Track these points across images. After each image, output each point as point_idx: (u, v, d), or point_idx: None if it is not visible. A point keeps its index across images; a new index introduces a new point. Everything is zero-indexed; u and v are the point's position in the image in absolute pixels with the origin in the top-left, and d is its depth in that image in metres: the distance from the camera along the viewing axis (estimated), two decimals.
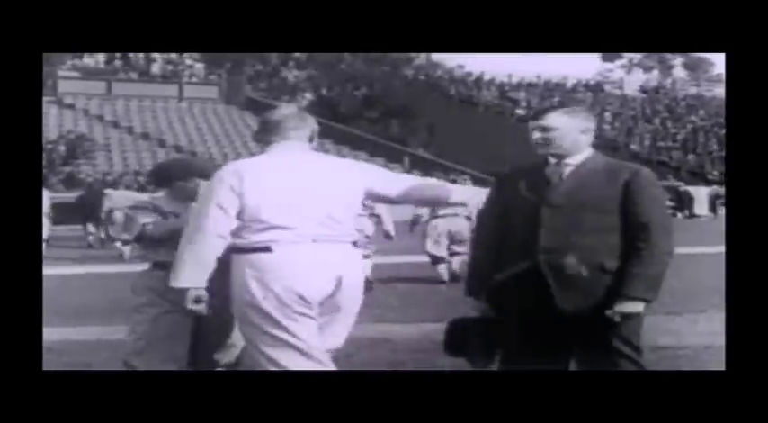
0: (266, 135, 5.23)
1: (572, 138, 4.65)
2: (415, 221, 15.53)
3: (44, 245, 19.52)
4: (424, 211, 15.23)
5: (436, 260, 15.21)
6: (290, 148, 5.18)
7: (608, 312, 4.44)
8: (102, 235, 23.54)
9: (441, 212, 15.09)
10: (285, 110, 5.48)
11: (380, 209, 13.57)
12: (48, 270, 16.01)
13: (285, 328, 4.92)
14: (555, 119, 4.70)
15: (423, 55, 58.48)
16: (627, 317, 4.46)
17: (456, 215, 15.08)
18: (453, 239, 15.15)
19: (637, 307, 4.47)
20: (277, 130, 5.20)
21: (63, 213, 26.80)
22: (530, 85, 58.24)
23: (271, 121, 5.26)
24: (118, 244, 20.89)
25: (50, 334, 9.07)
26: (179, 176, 5.95)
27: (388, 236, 14.25)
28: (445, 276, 14.90)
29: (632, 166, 4.74)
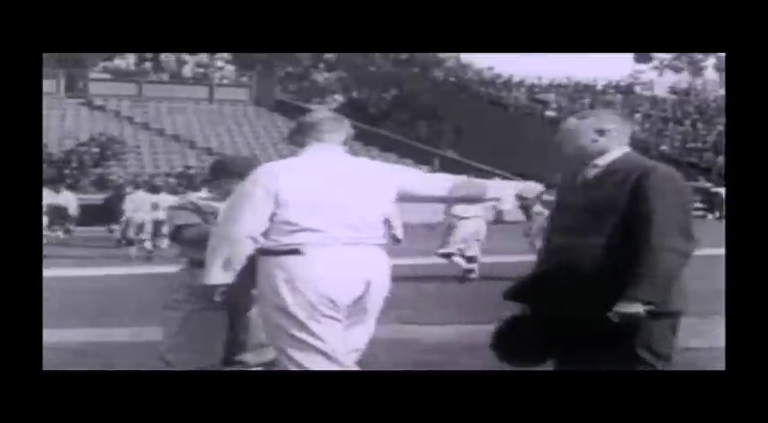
0: (300, 137, 5.25)
1: (588, 138, 4.75)
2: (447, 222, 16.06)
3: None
4: (459, 210, 15.65)
5: (448, 256, 15.95)
6: (323, 151, 5.18)
7: (609, 314, 4.43)
8: (119, 236, 23.82)
9: (468, 214, 15.70)
10: (321, 113, 5.53)
11: (390, 212, 13.74)
12: (75, 271, 17.41)
13: (311, 332, 4.91)
14: (571, 122, 4.91)
15: (452, 57, 58.54)
16: (627, 318, 4.43)
17: (478, 217, 15.97)
18: (476, 239, 15.97)
19: (635, 308, 4.43)
20: (311, 132, 5.21)
21: (92, 215, 27.01)
22: (559, 86, 58.04)
23: (306, 123, 5.27)
24: (146, 244, 21.68)
25: (76, 335, 9.63)
26: (217, 176, 6.01)
27: (396, 240, 14.40)
28: (464, 265, 15.65)
29: (647, 164, 4.74)
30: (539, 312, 4.78)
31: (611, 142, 4.74)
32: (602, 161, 4.72)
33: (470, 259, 15.84)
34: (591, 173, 4.72)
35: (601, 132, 4.75)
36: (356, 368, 5.04)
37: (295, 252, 4.91)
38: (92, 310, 11.87)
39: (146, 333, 8.73)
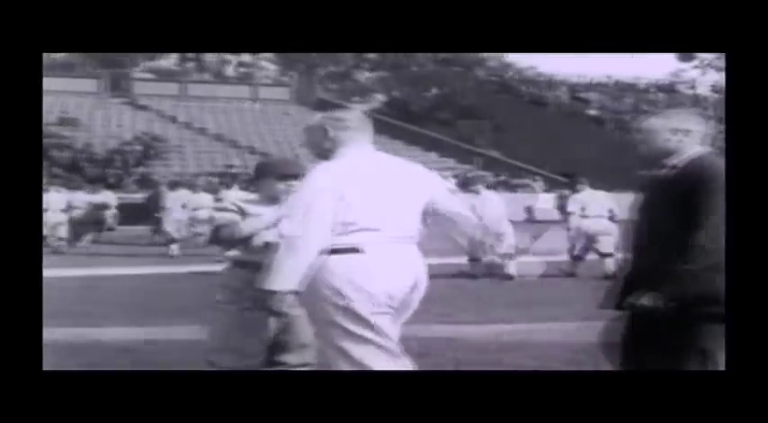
0: (339, 136, 5.20)
1: (667, 138, 4.77)
2: None
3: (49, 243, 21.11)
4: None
5: (476, 259, 15.82)
6: (361, 150, 5.21)
7: (623, 303, 4.58)
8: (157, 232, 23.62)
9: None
10: (354, 112, 5.50)
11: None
12: (120, 270, 17.06)
13: (374, 327, 4.93)
14: (651, 122, 4.92)
15: (494, 56, 58.23)
16: (636, 308, 4.53)
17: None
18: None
19: (641, 299, 4.52)
20: (349, 132, 5.21)
21: (134, 214, 27.33)
22: (600, 85, 57.66)
23: (343, 121, 5.26)
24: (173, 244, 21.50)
25: (123, 334, 9.59)
26: (261, 176, 5.94)
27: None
28: (512, 270, 15.58)
29: (716, 163, 4.66)
30: (635, 315, 4.76)
31: (690, 142, 4.75)
32: (679, 161, 4.74)
33: (503, 257, 15.62)
34: (668, 173, 4.74)
35: (679, 132, 4.77)
36: (410, 363, 5.06)
37: (353, 251, 4.93)
38: (134, 308, 11.90)
39: (185, 332, 8.90)
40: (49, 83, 41.12)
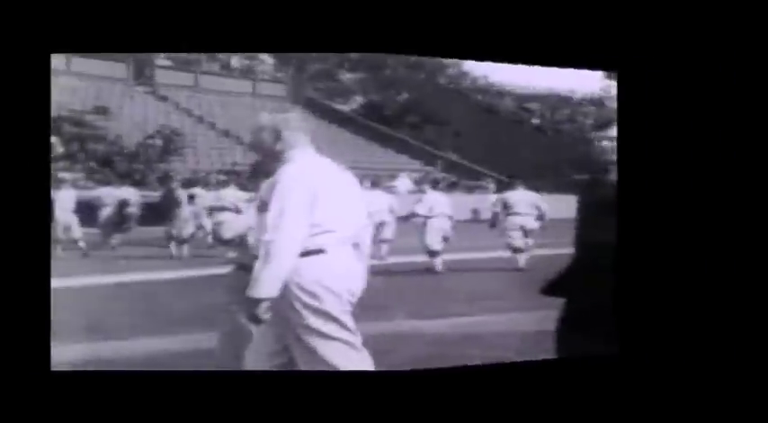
0: (287, 138, 5.34)
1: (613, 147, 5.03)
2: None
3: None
4: (424, 210, 17.80)
5: (434, 254, 17.64)
6: (309, 153, 5.36)
7: None
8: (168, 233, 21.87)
9: (434, 213, 17.74)
10: (296, 113, 5.56)
11: None
12: (142, 275, 16.39)
13: (344, 325, 5.09)
14: (609, 133, 5.32)
15: (454, 64, 58.08)
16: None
17: (444, 215, 17.87)
18: (442, 236, 17.77)
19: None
20: (295, 133, 5.36)
21: (151, 213, 25.09)
22: (542, 96, 58.16)
23: (290, 122, 5.39)
24: (173, 244, 21.09)
25: (138, 345, 9.34)
26: (258, 174, 6.09)
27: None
28: (439, 267, 17.40)
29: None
30: (572, 304, 4.91)
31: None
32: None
33: (435, 253, 17.58)
34: (608, 176, 4.95)
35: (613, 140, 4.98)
36: (371, 359, 5.19)
37: (319, 252, 5.06)
38: (154, 316, 11.87)
39: (203, 340, 8.24)
40: (83, 65, 40.12)
